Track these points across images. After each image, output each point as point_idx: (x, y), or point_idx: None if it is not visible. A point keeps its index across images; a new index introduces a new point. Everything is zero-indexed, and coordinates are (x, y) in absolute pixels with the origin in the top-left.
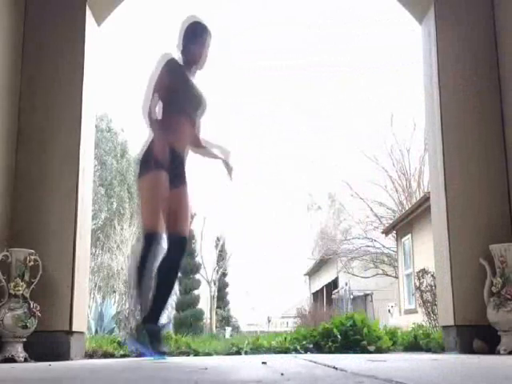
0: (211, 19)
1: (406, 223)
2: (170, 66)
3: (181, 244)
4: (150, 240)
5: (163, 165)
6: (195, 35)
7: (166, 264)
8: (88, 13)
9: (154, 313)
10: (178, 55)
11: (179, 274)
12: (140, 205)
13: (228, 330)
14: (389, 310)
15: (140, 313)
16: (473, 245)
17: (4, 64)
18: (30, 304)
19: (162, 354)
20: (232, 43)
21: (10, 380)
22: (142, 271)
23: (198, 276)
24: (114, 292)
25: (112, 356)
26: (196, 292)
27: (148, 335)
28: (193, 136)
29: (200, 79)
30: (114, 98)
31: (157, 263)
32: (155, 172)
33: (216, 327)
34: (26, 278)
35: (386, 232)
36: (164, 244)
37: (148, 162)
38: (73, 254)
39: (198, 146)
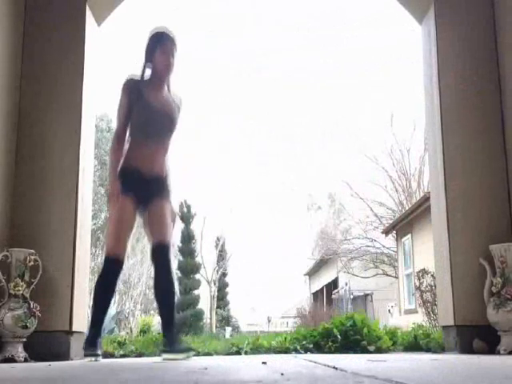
0: (203, 19)
1: (406, 223)
2: (126, 87)
3: (162, 251)
4: (111, 263)
5: (128, 189)
6: (157, 46)
7: (160, 286)
8: (88, 13)
9: (172, 338)
10: (146, 71)
11: (179, 275)
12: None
13: (228, 330)
14: (389, 310)
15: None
16: (473, 245)
17: (4, 64)
18: (29, 304)
19: (188, 350)
20: (231, 43)
21: (10, 380)
22: (105, 291)
23: (198, 276)
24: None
25: (112, 356)
26: (196, 292)
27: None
28: (160, 155)
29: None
30: (114, 98)
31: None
32: (124, 196)
33: (216, 327)
34: (26, 277)
35: (386, 232)
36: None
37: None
38: (73, 254)
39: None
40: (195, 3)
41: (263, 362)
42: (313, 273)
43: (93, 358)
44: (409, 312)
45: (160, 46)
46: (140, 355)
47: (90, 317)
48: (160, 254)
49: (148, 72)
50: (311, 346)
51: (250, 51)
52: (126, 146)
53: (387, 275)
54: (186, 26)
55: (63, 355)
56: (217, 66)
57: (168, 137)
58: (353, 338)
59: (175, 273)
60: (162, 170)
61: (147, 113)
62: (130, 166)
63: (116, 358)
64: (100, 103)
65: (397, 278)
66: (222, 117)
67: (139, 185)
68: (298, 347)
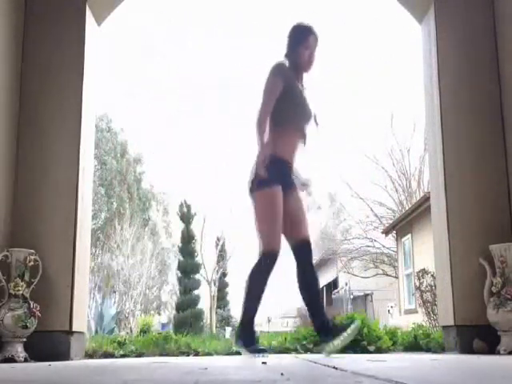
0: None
1: (406, 223)
2: (280, 70)
3: (308, 247)
4: (273, 259)
5: (276, 179)
6: (301, 38)
7: (305, 281)
8: (88, 13)
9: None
10: (286, 61)
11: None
12: (257, 222)
13: (228, 329)
14: (388, 311)
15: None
16: (473, 245)
17: (4, 64)
18: (29, 304)
19: (262, 351)
20: (231, 43)
21: (10, 380)
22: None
23: (197, 276)
24: (114, 292)
25: (112, 356)
26: (196, 292)
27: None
28: (300, 147)
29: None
30: (114, 98)
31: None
32: (270, 188)
33: (216, 327)
34: (26, 277)
35: (386, 232)
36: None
37: (268, 173)
38: (73, 254)
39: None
40: (195, 3)
41: (263, 362)
42: None
43: (261, 355)
44: (409, 312)
45: (304, 40)
46: (140, 355)
47: (245, 311)
48: (303, 252)
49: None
50: (311, 346)
51: (249, 51)
52: (271, 133)
53: (387, 275)
54: (186, 26)
55: (63, 355)
56: (217, 65)
57: (307, 125)
58: (353, 337)
59: (177, 273)
60: (294, 162)
61: (300, 103)
62: (278, 155)
63: (116, 357)
64: (100, 103)
65: (397, 277)
66: (222, 117)
67: (286, 175)
68: (298, 347)
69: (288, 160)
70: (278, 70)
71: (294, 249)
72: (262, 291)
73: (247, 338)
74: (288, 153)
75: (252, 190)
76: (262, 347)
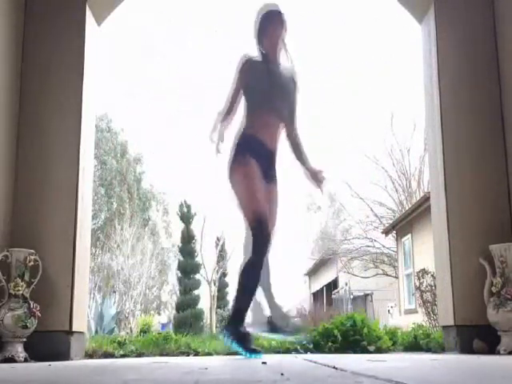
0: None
1: (406, 223)
2: (242, 66)
3: (267, 241)
4: (263, 226)
5: (254, 156)
6: (266, 24)
7: (249, 264)
8: (88, 13)
9: (237, 314)
10: (257, 49)
11: (180, 274)
12: (239, 198)
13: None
14: (388, 311)
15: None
16: (473, 245)
17: (4, 63)
18: (29, 304)
19: (255, 352)
20: (230, 43)
21: (10, 380)
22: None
23: (198, 276)
24: (114, 292)
25: (112, 356)
26: (196, 292)
27: (234, 337)
28: (280, 131)
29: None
30: (114, 98)
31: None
32: (248, 162)
33: (216, 327)
34: (26, 278)
35: (386, 232)
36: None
37: (238, 153)
38: (73, 254)
39: (292, 142)
40: (195, 3)
41: (263, 362)
42: (313, 273)
43: (258, 356)
44: (409, 312)
45: (270, 25)
46: (140, 355)
47: (238, 306)
48: (263, 244)
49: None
50: (311, 346)
51: (249, 51)
52: (245, 118)
53: (387, 275)
54: (186, 26)
55: (63, 355)
56: (217, 65)
57: (283, 109)
58: (353, 338)
59: (177, 273)
60: (277, 146)
61: (269, 90)
62: (252, 137)
63: (116, 357)
64: (100, 103)
65: (397, 277)
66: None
67: (263, 155)
68: (298, 347)
69: (262, 140)
70: (240, 65)
71: (252, 240)
72: (254, 283)
73: (244, 336)
74: (261, 133)
75: (229, 174)
76: (256, 348)
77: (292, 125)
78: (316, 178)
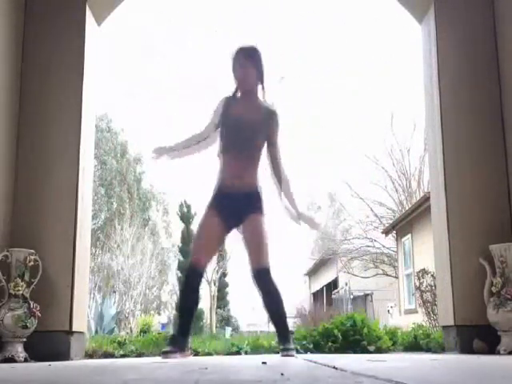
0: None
1: (406, 223)
2: (219, 104)
3: (262, 276)
4: (191, 274)
5: (217, 205)
6: (234, 63)
7: (270, 308)
8: (88, 13)
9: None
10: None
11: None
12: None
13: (228, 329)
14: (388, 311)
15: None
16: (473, 245)
17: (4, 63)
18: (29, 304)
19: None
20: (229, 42)
21: (10, 380)
22: (187, 304)
23: None
24: (114, 292)
25: (112, 356)
26: None
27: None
28: (248, 168)
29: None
30: (113, 97)
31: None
32: (207, 211)
33: (216, 327)
34: (26, 277)
35: (386, 232)
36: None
37: (210, 201)
38: (73, 254)
39: (277, 176)
40: (195, 3)
41: (263, 362)
42: (313, 273)
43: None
44: (409, 312)
45: (237, 62)
46: (140, 355)
47: (178, 325)
48: (261, 280)
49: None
50: (311, 346)
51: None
52: (219, 160)
53: (387, 275)
54: (186, 26)
55: (63, 355)
56: (217, 65)
57: (253, 148)
58: (353, 338)
59: (177, 273)
60: (253, 184)
61: (235, 128)
62: (222, 184)
63: (116, 357)
64: (100, 103)
65: (397, 278)
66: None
67: (229, 202)
68: (298, 347)
69: (229, 185)
70: (218, 104)
71: (252, 277)
72: (188, 306)
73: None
74: (227, 178)
75: None
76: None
77: (275, 161)
78: (310, 223)
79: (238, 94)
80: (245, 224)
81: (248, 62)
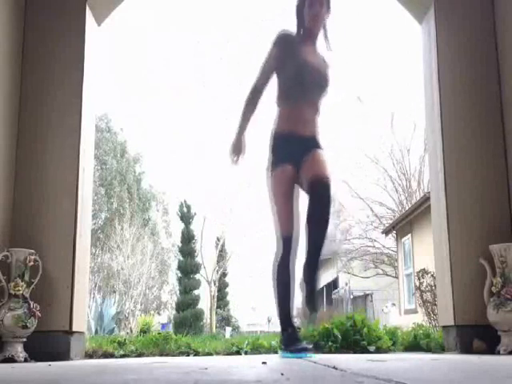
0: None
1: (406, 223)
2: (279, 40)
3: (321, 184)
4: (287, 243)
5: (286, 156)
6: (301, 2)
7: (313, 219)
8: (88, 13)
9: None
10: (296, 26)
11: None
12: (272, 207)
13: (228, 329)
14: (382, 310)
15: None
16: (473, 245)
17: (4, 63)
18: (29, 304)
19: (304, 350)
20: (229, 42)
21: (9, 380)
22: (284, 274)
23: (198, 276)
24: (114, 292)
25: (112, 356)
26: (196, 292)
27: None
28: (312, 115)
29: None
30: (113, 97)
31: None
32: (280, 166)
33: (216, 327)
34: (26, 277)
35: (386, 232)
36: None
37: (272, 154)
38: (73, 253)
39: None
40: (196, 3)
41: (263, 362)
42: None
43: (304, 355)
44: (409, 312)
45: (305, 2)
46: (140, 355)
47: (279, 310)
48: (318, 188)
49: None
50: (311, 346)
51: (248, 52)
52: (277, 108)
53: (387, 275)
54: (186, 26)
55: (63, 355)
56: (217, 66)
57: (320, 96)
58: (353, 338)
59: (177, 273)
60: (315, 132)
61: (304, 72)
62: (283, 131)
63: (116, 357)
64: (100, 103)
65: (397, 278)
66: (222, 116)
67: (295, 149)
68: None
69: (292, 133)
70: (276, 39)
71: (308, 188)
72: (286, 282)
73: (289, 338)
74: (291, 126)
75: (267, 178)
76: (304, 346)
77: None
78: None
79: (300, 34)
80: (305, 158)
81: (320, 3)
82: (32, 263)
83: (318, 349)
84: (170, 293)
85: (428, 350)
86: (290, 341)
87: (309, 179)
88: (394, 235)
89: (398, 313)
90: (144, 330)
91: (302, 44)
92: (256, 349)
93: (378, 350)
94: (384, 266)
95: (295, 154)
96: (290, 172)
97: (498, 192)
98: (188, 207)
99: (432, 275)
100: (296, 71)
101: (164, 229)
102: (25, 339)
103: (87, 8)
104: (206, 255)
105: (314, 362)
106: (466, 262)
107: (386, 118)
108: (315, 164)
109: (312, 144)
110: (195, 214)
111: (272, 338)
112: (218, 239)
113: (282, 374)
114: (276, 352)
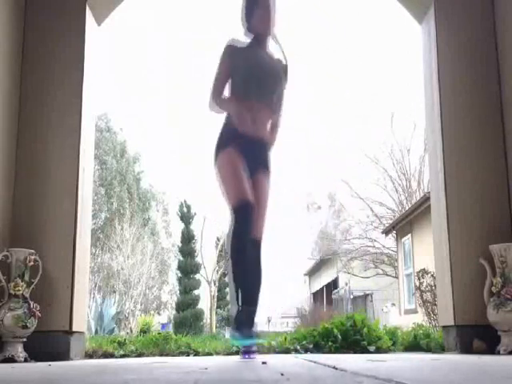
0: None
1: (406, 223)
2: (226, 51)
3: (257, 248)
4: (242, 211)
5: (240, 145)
6: (248, 4)
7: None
8: (88, 13)
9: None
10: (244, 31)
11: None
12: (222, 185)
13: (228, 329)
14: (382, 310)
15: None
16: (473, 245)
17: (4, 63)
18: (29, 304)
19: (250, 337)
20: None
21: (9, 380)
22: (242, 248)
23: (198, 276)
24: (114, 292)
25: (112, 356)
26: (196, 292)
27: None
28: (265, 118)
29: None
30: (113, 97)
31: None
32: (231, 149)
33: (216, 327)
34: (26, 277)
35: (386, 232)
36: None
37: (222, 140)
38: (73, 253)
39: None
40: (196, 3)
41: (263, 362)
42: (313, 273)
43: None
44: (409, 312)
45: (260, 2)
46: (140, 355)
47: (242, 290)
48: (254, 251)
49: (248, 34)
50: (311, 346)
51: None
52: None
53: (387, 275)
54: (186, 26)
55: (63, 355)
56: (216, 63)
57: (271, 97)
58: (353, 338)
59: (177, 273)
60: (267, 135)
61: (254, 76)
62: (236, 130)
63: (116, 357)
64: (100, 103)
65: (397, 278)
66: (222, 116)
67: (247, 148)
68: (298, 347)
69: (241, 130)
70: (223, 51)
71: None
72: (244, 259)
73: (245, 323)
74: (241, 123)
75: (214, 161)
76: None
77: (276, 116)
78: None
79: (248, 40)
80: (255, 183)
81: (270, 4)
82: (32, 263)
83: (318, 349)
84: (170, 293)
85: (428, 350)
86: (242, 323)
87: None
88: (394, 235)
89: (398, 313)
90: (144, 330)
91: (253, 49)
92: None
93: (378, 350)
94: (384, 266)
95: (247, 152)
96: (240, 157)
97: (498, 192)
98: (188, 207)
99: (432, 275)
100: (244, 77)
101: (164, 229)
102: (25, 339)
103: (87, 8)
104: (206, 255)
105: (314, 362)
106: (466, 262)
107: (385, 118)
108: (260, 218)
109: (262, 153)
110: (195, 214)
111: (272, 338)
112: (218, 239)
113: (282, 374)
114: (277, 352)
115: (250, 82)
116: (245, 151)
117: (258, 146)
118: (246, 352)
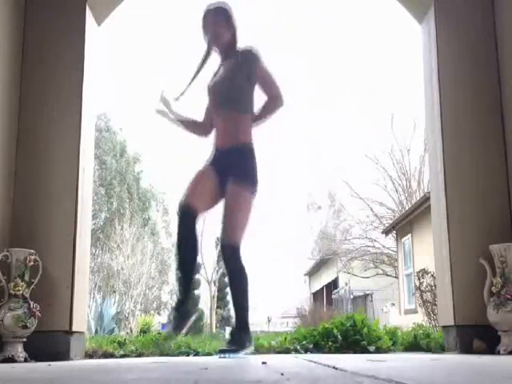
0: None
1: (406, 223)
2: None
3: (229, 253)
4: (180, 212)
5: (211, 161)
6: (203, 24)
7: (229, 282)
8: (88, 13)
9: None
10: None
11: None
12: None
13: (228, 329)
14: (382, 309)
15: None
16: (473, 245)
17: (3, 63)
18: (29, 304)
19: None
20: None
21: (10, 380)
22: (184, 253)
23: (197, 276)
24: (114, 292)
25: (112, 356)
26: (196, 292)
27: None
28: (230, 126)
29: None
30: (113, 97)
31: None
32: (205, 165)
33: (216, 327)
34: (26, 277)
35: (386, 232)
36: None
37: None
38: (73, 253)
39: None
40: (196, 3)
41: (263, 362)
42: (313, 273)
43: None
44: (409, 312)
45: (204, 23)
46: (140, 355)
47: (179, 287)
48: (228, 257)
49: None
50: (311, 346)
51: None
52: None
53: (387, 275)
54: (186, 25)
55: (63, 355)
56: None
57: (237, 106)
58: (353, 338)
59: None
60: (240, 143)
61: (210, 88)
62: (214, 145)
63: (116, 357)
64: (100, 103)
65: (397, 278)
66: None
67: (218, 161)
68: (298, 347)
69: (216, 145)
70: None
71: (221, 251)
72: (189, 256)
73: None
74: (216, 139)
75: None
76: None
77: (271, 90)
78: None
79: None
80: (226, 191)
81: (212, 21)
82: (32, 263)
83: (319, 349)
84: (170, 293)
85: (428, 350)
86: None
87: (221, 243)
88: (394, 235)
89: (397, 313)
90: (144, 330)
91: (218, 68)
92: (256, 349)
93: (378, 350)
94: (384, 266)
95: (218, 162)
96: (213, 175)
97: (498, 192)
98: None
99: (432, 275)
100: (208, 90)
101: (164, 229)
102: (25, 339)
103: (87, 8)
104: (206, 255)
105: (314, 362)
106: (466, 262)
107: (386, 118)
108: (230, 221)
109: (235, 162)
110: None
111: (272, 338)
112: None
113: (282, 374)
114: (277, 352)
115: (210, 99)
116: (215, 162)
117: (228, 155)
118: (222, 351)
